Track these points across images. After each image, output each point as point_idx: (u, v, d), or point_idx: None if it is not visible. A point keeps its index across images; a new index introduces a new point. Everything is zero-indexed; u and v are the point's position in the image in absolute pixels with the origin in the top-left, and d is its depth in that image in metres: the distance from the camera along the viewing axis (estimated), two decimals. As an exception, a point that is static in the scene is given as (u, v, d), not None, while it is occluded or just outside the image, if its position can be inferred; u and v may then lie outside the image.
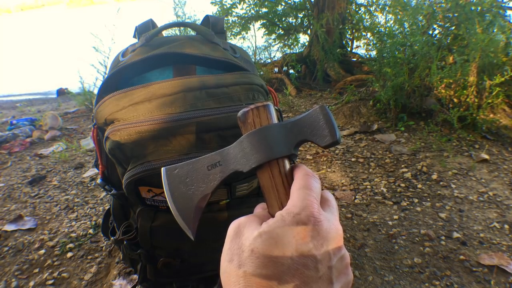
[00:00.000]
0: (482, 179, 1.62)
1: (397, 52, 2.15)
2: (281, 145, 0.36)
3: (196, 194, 0.38)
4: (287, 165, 0.37)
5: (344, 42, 3.59)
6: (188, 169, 0.39)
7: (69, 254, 1.25)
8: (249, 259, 0.30)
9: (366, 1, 3.59)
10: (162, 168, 0.40)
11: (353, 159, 1.88)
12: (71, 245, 1.29)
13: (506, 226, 1.29)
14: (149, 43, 0.83)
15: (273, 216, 0.35)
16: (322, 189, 0.37)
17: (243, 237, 0.32)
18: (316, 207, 0.31)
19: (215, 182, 0.38)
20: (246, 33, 3.73)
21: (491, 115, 2.08)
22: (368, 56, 3.32)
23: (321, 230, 0.30)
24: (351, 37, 3.65)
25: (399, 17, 2.33)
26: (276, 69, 3.63)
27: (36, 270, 1.18)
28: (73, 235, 1.35)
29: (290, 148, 0.37)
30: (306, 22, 3.72)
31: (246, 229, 0.32)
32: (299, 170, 0.36)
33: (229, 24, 3.59)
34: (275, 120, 0.38)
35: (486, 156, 1.77)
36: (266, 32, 3.78)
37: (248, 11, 3.61)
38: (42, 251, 1.27)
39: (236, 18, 3.63)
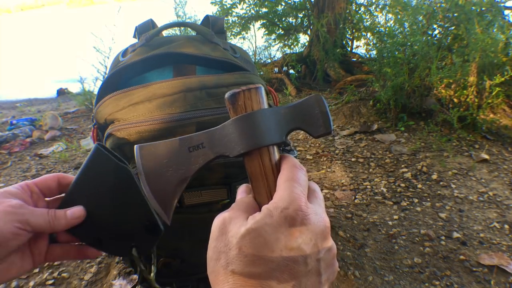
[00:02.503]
0: (482, 179, 1.62)
1: (397, 52, 2.15)
2: (273, 132, 0.35)
3: (175, 176, 0.36)
4: (277, 152, 0.36)
5: (344, 42, 3.59)
6: (167, 149, 0.36)
7: (69, 254, 1.25)
8: (237, 258, 0.29)
9: (366, 1, 3.59)
10: (135, 146, 0.37)
11: (353, 159, 1.88)
12: (71, 245, 1.29)
13: (506, 226, 1.29)
14: (149, 43, 0.83)
15: (259, 204, 0.34)
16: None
17: (229, 234, 0.31)
18: (303, 201, 0.31)
19: (196, 165, 0.36)
20: (246, 33, 3.73)
21: (491, 115, 2.08)
22: (368, 56, 3.32)
23: (309, 224, 0.30)
24: (351, 37, 3.65)
25: (399, 17, 2.33)
26: (276, 69, 3.63)
27: (36, 270, 1.18)
28: (73, 235, 1.35)
29: (282, 135, 0.35)
30: (306, 22, 3.72)
31: (231, 225, 0.31)
32: (286, 161, 0.35)
33: (229, 24, 3.59)
34: (266, 104, 0.36)
35: (486, 156, 1.77)
36: (266, 32, 3.78)
37: (248, 11, 3.61)
38: (42, 251, 1.27)
39: (236, 18, 3.63)
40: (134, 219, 0.44)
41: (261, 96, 0.36)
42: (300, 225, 0.30)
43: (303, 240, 0.30)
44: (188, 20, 3.41)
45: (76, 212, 0.42)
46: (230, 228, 0.31)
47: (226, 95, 0.36)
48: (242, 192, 0.38)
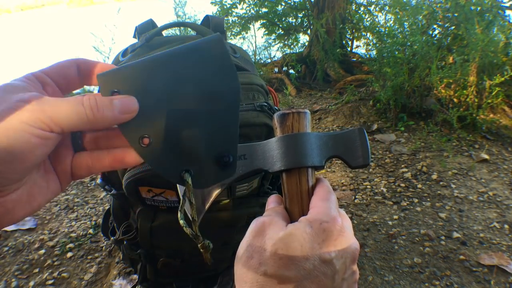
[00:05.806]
0: (482, 179, 1.62)
1: (397, 52, 2.15)
2: (314, 155, 0.37)
3: None
4: (314, 176, 0.38)
5: (344, 42, 3.58)
6: None
7: (69, 254, 1.25)
8: (271, 259, 0.30)
9: (366, 1, 3.59)
10: None
11: (353, 159, 1.88)
12: (71, 245, 1.29)
13: (506, 226, 1.29)
14: (149, 43, 0.83)
15: (293, 219, 0.36)
16: None
17: (267, 236, 0.32)
18: (340, 221, 0.33)
19: (235, 174, 0.36)
20: (246, 33, 3.73)
21: (491, 115, 2.08)
22: (368, 56, 3.32)
23: (343, 242, 0.32)
24: (351, 37, 3.65)
25: (399, 17, 2.33)
26: (276, 69, 3.63)
27: (36, 270, 1.19)
28: (73, 235, 1.35)
29: (322, 160, 0.37)
30: (306, 22, 3.72)
31: (270, 229, 0.33)
32: (322, 184, 0.37)
33: (229, 24, 3.59)
34: (310, 129, 0.38)
35: (486, 156, 1.77)
36: (266, 32, 3.78)
37: (248, 11, 3.61)
38: (42, 251, 1.27)
39: (236, 18, 3.63)
40: (210, 140, 0.31)
41: (308, 121, 0.38)
42: (335, 240, 0.31)
43: (336, 255, 0.31)
44: (188, 20, 3.41)
45: (128, 102, 0.28)
46: (268, 231, 0.32)
47: (276, 115, 0.38)
48: (274, 201, 0.39)
